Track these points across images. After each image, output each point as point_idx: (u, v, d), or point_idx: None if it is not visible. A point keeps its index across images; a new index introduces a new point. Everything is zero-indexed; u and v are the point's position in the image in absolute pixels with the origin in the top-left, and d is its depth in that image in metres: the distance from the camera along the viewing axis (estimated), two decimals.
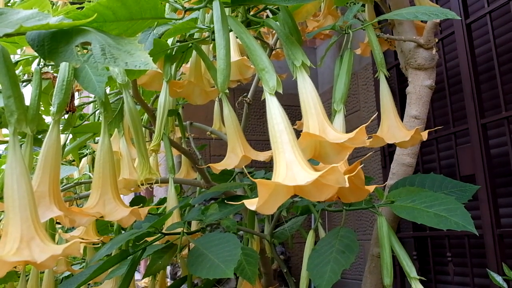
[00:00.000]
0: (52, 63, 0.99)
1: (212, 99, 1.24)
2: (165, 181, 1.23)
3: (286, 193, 0.64)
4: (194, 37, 1.12)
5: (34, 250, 0.51)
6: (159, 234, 1.05)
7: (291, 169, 0.61)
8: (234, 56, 1.27)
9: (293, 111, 3.11)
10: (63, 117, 1.30)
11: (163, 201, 1.85)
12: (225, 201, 1.11)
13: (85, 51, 0.61)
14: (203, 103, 1.25)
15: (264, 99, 0.67)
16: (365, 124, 0.70)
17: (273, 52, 1.80)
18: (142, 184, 0.85)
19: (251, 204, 0.60)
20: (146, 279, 2.03)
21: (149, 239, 1.09)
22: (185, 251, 1.17)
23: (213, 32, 0.99)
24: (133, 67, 0.57)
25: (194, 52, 1.18)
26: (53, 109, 0.70)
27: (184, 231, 1.07)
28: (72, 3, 1.82)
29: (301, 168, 0.61)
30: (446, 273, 2.37)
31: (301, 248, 3.53)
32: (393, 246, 1.03)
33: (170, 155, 1.18)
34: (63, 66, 0.74)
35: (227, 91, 1.09)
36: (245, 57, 1.32)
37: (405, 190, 1.10)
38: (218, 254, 0.90)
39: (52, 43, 0.59)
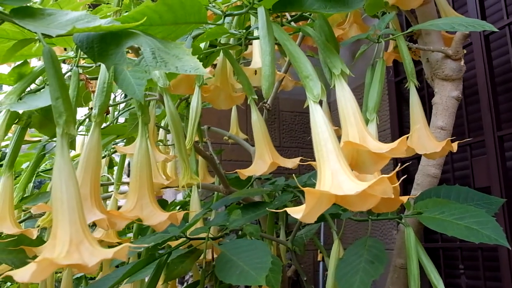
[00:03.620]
0: (84, 64, 0.99)
1: (237, 104, 1.24)
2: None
3: (328, 202, 0.64)
4: (221, 42, 1.12)
5: (84, 254, 0.51)
6: (184, 239, 1.05)
7: (337, 178, 0.61)
8: (259, 62, 1.27)
9: (306, 118, 3.10)
10: None
11: (173, 204, 1.83)
12: (269, 209, 1.10)
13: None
14: (228, 108, 1.25)
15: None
16: (406, 135, 0.69)
17: None
18: (183, 187, 0.85)
19: (296, 212, 0.59)
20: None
21: (173, 243, 1.08)
22: (208, 256, 1.16)
23: (246, 38, 0.99)
24: (183, 71, 0.57)
25: (220, 57, 1.18)
26: (94, 111, 0.70)
27: (209, 236, 1.06)
28: (93, 5, 1.83)
29: (347, 177, 0.61)
30: (458, 286, 2.35)
31: (309, 256, 3.51)
32: (420, 258, 1.02)
33: (194, 159, 1.18)
34: (104, 68, 0.73)
35: (255, 96, 1.09)
36: None
37: (432, 202, 1.09)
38: (247, 261, 0.89)
39: (102, 46, 0.59)
